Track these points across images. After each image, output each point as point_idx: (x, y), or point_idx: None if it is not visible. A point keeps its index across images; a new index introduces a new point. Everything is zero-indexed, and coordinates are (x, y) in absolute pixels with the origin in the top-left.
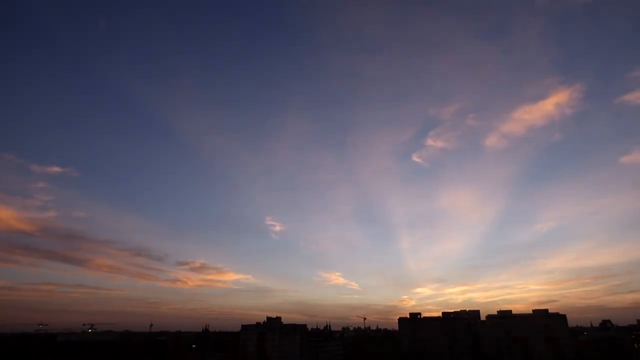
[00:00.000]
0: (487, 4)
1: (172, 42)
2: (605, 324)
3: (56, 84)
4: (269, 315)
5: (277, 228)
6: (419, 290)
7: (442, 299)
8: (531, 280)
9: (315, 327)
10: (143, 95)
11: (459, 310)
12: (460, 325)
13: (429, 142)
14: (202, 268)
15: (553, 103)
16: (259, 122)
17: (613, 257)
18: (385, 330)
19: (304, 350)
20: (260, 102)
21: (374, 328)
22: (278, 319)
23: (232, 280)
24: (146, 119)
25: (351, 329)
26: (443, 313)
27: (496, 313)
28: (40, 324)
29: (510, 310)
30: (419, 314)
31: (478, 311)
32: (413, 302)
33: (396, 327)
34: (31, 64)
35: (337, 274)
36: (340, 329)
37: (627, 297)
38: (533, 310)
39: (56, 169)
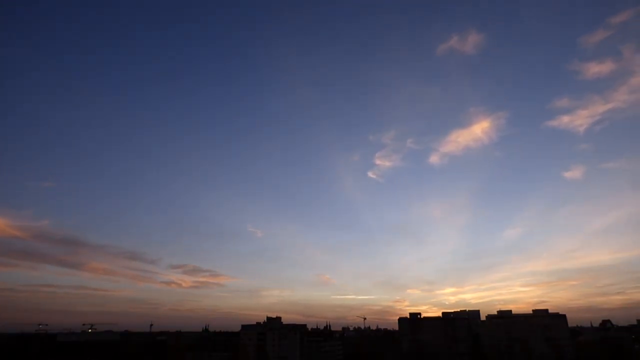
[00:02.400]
0: (416, 51)
1: (160, 67)
2: (605, 324)
3: (49, 107)
4: (268, 315)
5: (259, 234)
6: (409, 292)
7: (435, 299)
8: (517, 282)
9: (315, 327)
10: (136, 109)
11: (455, 310)
12: (461, 325)
13: (377, 162)
14: (195, 271)
15: (481, 128)
16: (238, 145)
17: (595, 259)
18: (385, 330)
19: (304, 350)
20: (239, 130)
21: (373, 328)
22: (278, 319)
23: (226, 282)
24: (136, 134)
25: (351, 328)
26: (443, 313)
27: (496, 313)
28: (40, 324)
29: (510, 310)
30: (419, 314)
31: (478, 311)
32: (407, 303)
33: (393, 327)
34: (27, 87)
35: (327, 276)
36: (340, 329)
37: (616, 298)
38: (533, 310)
39: (49, 183)
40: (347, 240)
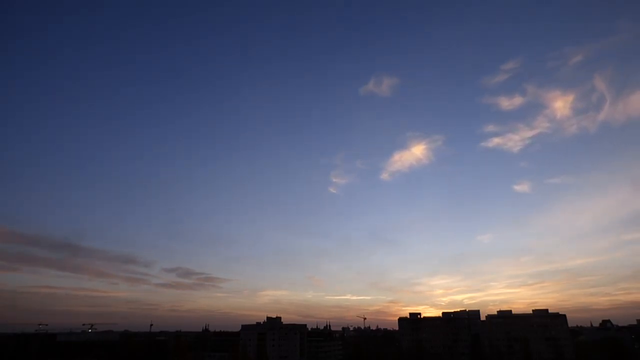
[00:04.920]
0: (344, 91)
1: (155, 70)
2: (605, 324)
3: (46, 112)
4: (268, 315)
5: (247, 240)
6: (399, 293)
7: (428, 301)
8: (503, 284)
9: (315, 327)
10: (131, 115)
11: (454, 310)
12: (461, 325)
13: (334, 179)
14: (187, 274)
15: (419, 150)
16: (223, 165)
17: (573, 263)
18: (385, 330)
19: (304, 350)
20: (221, 154)
21: (373, 328)
22: (278, 319)
23: (220, 284)
24: (127, 151)
25: (351, 329)
26: (443, 313)
27: (494, 313)
28: (40, 324)
29: (510, 310)
30: (419, 313)
31: (478, 311)
32: (402, 303)
33: (391, 327)
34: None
35: (317, 278)
36: (340, 329)
37: (603, 299)
38: (533, 311)
39: (47, 190)
40: (329, 246)
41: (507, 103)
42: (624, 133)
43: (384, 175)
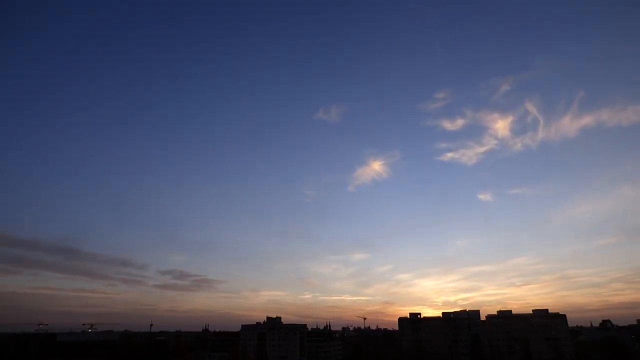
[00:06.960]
0: (300, 117)
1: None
2: (606, 324)
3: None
4: (268, 315)
5: (238, 243)
6: (393, 292)
7: (423, 301)
8: (492, 284)
9: (315, 327)
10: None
11: (454, 310)
12: (461, 325)
13: (305, 192)
14: (183, 275)
15: (378, 165)
16: (218, 171)
17: (559, 265)
18: (385, 330)
19: (304, 350)
20: (216, 160)
21: (373, 328)
22: (278, 319)
23: (217, 285)
24: (123, 156)
25: (351, 329)
26: (443, 313)
27: (495, 313)
28: (40, 324)
29: (510, 310)
30: (419, 314)
31: (478, 311)
32: (399, 304)
33: (388, 327)
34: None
35: (312, 280)
36: (339, 328)
37: (596, 300)
38: (533, 310)
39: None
40: (319, 250)
41: (450, 125)
42: (564, 150)
43: (350, 188)
